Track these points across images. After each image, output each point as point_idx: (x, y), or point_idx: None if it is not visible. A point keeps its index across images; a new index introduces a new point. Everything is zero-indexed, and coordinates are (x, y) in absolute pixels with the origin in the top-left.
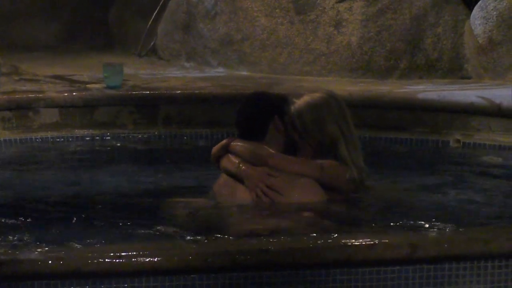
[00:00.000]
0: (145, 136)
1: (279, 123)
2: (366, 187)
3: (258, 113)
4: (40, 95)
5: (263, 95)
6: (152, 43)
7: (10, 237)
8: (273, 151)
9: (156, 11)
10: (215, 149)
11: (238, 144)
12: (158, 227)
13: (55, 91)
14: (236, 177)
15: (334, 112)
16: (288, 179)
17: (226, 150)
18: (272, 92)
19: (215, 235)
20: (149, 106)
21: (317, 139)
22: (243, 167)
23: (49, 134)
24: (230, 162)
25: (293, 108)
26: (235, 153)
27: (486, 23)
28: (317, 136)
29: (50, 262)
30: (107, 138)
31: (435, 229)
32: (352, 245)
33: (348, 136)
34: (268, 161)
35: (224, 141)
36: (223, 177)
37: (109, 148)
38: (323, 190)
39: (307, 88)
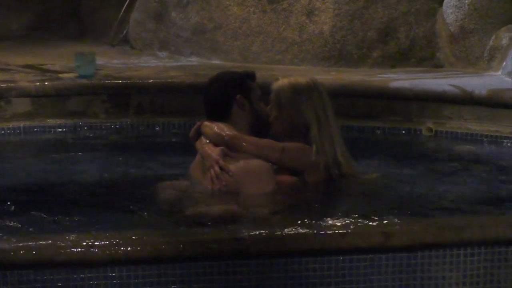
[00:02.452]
0: (118, 125)
1: (242, 102)
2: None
3: (219, 94)
4: (12, 84)
5: (225, 75)
6: (124, 33)
7: None
8: (233, 132)
9: (128, 0)
10: (191, 131)
11: (205, 125)
12: (131, 215)
13: (27, 81)
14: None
15: (313, 98)
16: (241, 161)
17: (199, 132)
18: (235, 71)
19: (180, 219)
20: (121, 95)
21: (290, 118)
22: (206, 147)
23: (21, 123)
24: (200, 143)
25: (275, 83)
26: (203, 134)
27: (458, 12)
28: (290, 115)
29: (22, 252)
30: (79, 127)
31: (407, 218)
32: (325, 234)
33: (324, 125)
34: (228, 141)
35: (197, 123)
36: (197, 158)
37: (81, 137)
38: (288, 173)
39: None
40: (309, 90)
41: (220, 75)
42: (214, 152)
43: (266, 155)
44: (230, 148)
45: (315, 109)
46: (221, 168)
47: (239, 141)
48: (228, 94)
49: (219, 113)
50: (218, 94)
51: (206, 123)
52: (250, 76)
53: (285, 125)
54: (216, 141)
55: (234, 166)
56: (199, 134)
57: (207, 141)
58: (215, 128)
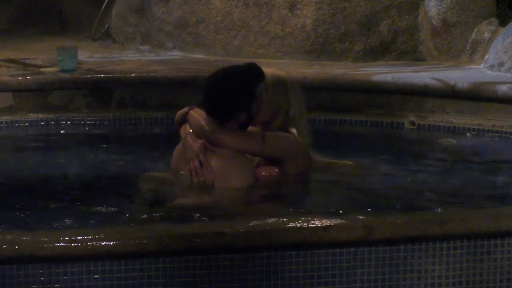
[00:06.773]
0: (100, 119)
1: (242, 118)
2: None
3: (222, 101)
4: None
5: (236, 82)
6: (106, 27)
7: None
8: (215, 127)
9: None
10: (178, 114)
11: (192, 114)
12: (113, 209)
13: (8, 75)
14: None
15: (296, 87)
16: (221, 158)
17: (185, 118)
18: (250, 73)
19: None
20: (103, 90)
21: (275, 102)
22: (188, 138)
23: (3, 118)
24: (184, 130)
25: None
26: (188, 123)
27: (440, 5)
28: (276, 98)
29: (4, 247)
30: (61, 121)
31: (390, 211)
32: (308, 227)
33: (304, 114)
34: (209, 135)
35: (185, 108)
36: (178, 147)
37: (63, 131)
38: (270, 165)
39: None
40: (292, 80)
41: (234, 77)
42: (195, 145)
43: (247, 148)
44: (211, 143)
45: (298, 97)
46: (200, 163)
47: (220, 136)
48: (232, 107)
49: (213, 113)
50: (221, 100)
51: (193, 112)
52: (259, 78)
53: (269, 110)
54: (199, 133)
55: (213, 162)
56: (185, 119)
57: (191, 130)
58: (200, 120)
